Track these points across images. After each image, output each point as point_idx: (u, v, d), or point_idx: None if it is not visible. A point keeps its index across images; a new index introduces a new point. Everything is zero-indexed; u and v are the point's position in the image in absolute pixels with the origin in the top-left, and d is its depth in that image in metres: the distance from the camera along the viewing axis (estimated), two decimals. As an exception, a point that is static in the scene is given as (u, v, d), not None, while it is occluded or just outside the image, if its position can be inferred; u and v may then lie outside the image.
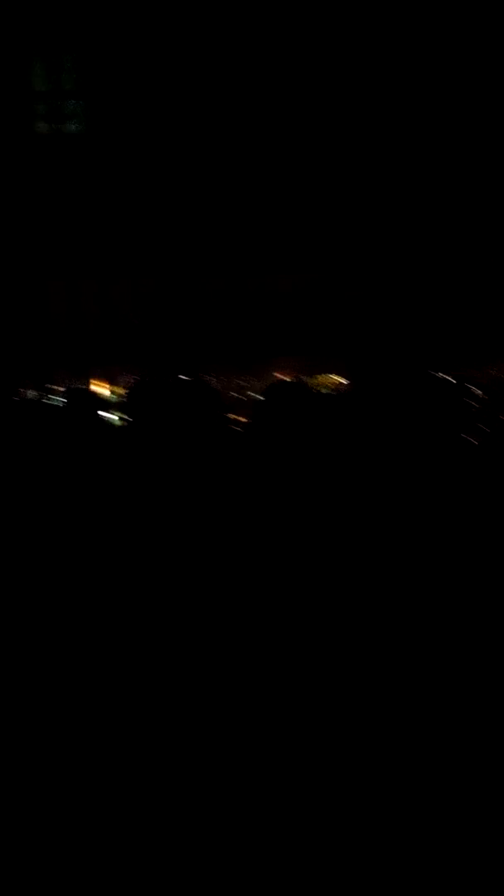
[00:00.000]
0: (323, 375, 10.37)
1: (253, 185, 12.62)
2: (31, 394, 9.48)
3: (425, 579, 2.68)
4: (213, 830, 2.21)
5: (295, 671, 2.53)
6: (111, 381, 11.74)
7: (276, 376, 9.62)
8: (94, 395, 3.46)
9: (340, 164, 12.55)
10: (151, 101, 12.30)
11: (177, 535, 2.72)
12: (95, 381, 11.50)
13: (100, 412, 3.43)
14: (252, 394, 11.38)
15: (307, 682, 2.50)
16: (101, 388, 11.14)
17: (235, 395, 11.73)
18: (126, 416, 3.18)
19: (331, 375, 10.26)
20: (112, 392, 11.21)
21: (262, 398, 3.09)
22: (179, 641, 2.55)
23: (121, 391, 11.14)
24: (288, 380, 3.19)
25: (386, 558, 2.71)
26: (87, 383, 11.29)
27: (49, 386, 10.47)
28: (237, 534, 2.72)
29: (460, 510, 2.91)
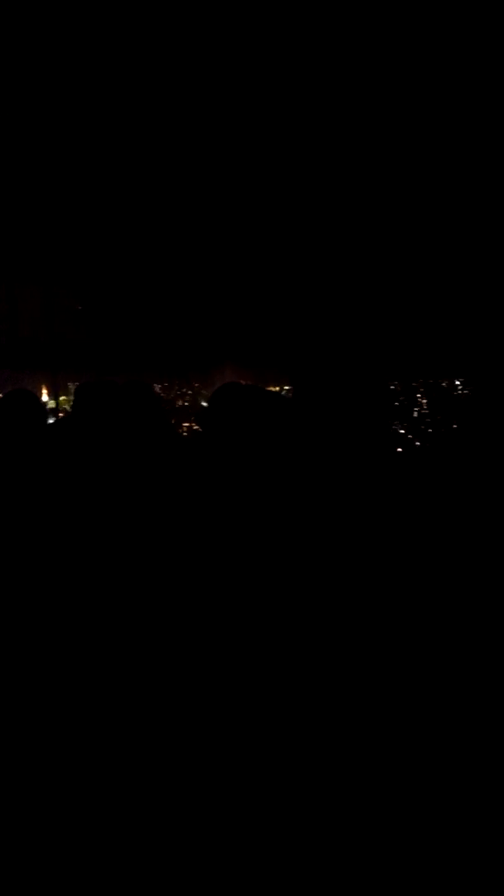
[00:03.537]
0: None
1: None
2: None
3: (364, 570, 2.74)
4: (212, 830, 2.19)
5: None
6: (51, 385, 11.51)
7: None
8: (34, 398, 3.28)
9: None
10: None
11: (120, 541, 2.63)
12: (36, 385, 11.25)
13: (39, 415, 3.26)
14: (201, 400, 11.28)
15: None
16: (42, 392, 10.90)
17: (181, 401, 11.62)
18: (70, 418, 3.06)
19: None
20: (51, 396, 10.98)
21: (212, 401, 2.95)
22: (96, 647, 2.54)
23: (63, 396, 10.94)
24: (241, 382, 3.04)
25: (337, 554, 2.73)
26: (25, 386, 11.03)
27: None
28: (182, 537, 2.66)
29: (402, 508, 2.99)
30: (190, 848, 2.15)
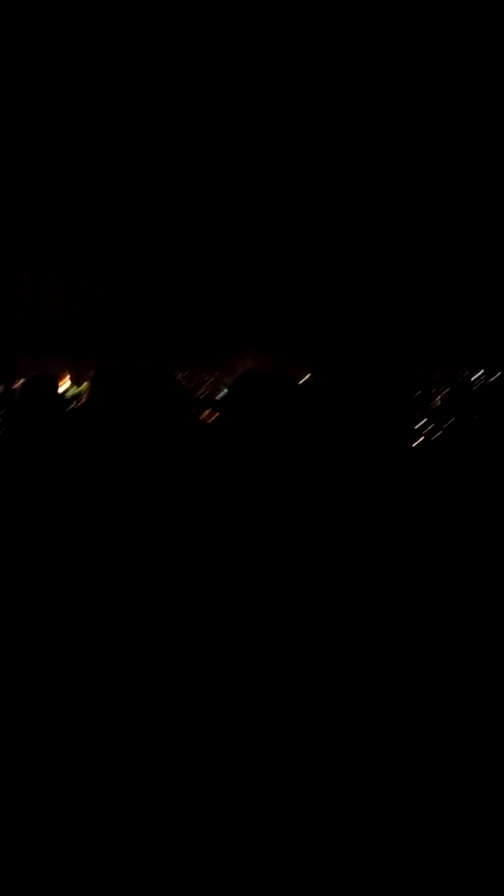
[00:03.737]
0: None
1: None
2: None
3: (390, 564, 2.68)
4: (212, 830, 2.19)
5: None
6: (74, 371, 11.54)
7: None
8: (52, 384, 3.27)
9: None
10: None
11: (139, 532, 2.61)
12: (58, 372, 11.30)
13: (57, 402, 3.27)
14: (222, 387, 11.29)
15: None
16: (63, 379, 10.95)
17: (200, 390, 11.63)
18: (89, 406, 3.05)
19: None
20: (73, 382, 11.02)
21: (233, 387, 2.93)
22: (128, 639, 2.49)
23: (84, 382, 10.98)
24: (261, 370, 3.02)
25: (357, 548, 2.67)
26: (48, 373, 11.06)
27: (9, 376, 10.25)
28: (204, 528, 2.63)
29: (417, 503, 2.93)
30: (190, 847, 2.16)
